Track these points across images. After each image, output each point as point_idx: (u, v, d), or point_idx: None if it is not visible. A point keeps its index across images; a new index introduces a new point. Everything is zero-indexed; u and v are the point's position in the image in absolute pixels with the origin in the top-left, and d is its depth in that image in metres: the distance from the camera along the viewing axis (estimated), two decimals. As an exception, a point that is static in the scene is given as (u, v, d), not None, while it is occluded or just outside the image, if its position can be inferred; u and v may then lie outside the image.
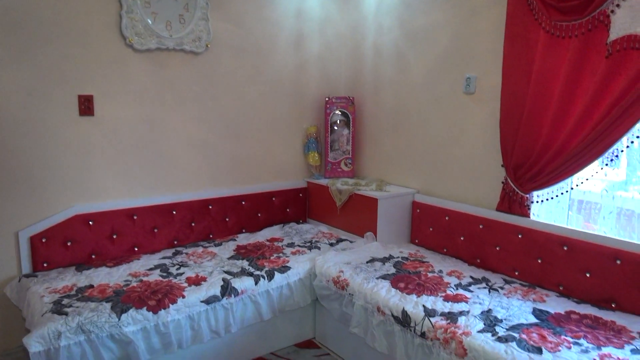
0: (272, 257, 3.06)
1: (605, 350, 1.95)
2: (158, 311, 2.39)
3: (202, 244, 3.33)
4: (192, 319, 2.50)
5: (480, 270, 2.90)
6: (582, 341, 2.02)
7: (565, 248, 2.54)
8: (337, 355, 2.92)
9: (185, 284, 2.62)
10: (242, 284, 2.69)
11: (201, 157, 3.42)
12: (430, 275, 2.76)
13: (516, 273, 2.77)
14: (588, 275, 2.45)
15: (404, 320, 2.35)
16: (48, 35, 2.74)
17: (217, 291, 2.60)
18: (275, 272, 2.85)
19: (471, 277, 2.76)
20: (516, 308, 2.34)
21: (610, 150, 2.33)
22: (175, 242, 3.31)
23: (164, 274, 2.75)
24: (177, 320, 2.45)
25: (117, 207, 3.06)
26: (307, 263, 3.00)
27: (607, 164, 2.39)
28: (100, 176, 3.02)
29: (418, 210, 3.39)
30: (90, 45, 2.88)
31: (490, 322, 2.20)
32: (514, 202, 2.80)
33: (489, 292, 2.55)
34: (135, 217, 3.12)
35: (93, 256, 2.99)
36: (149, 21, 3.02)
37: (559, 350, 1.94)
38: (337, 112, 3.87)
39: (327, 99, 3.86)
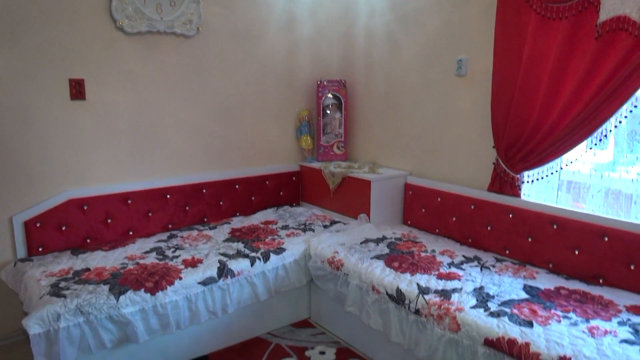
0: (267, 240, 3.08)
1: (594, 322, 2.02)
2: (156, 293, 2.42)
3: (197, 228, 3.35)
4: (189, 300, 2.53)
5: (472, 249, 2.96)
6: (571, 315, 2.09)
7: (554, 226, 2.61)
8: (333, 333, 2.98)
9: (182, 266, 2.64)
10: (238, 265, 2.72)
11: (194, 140, 3.42)
12: (423, 254, 2.81)
13: (507, 251, 2.84)
14: (577, 252, 2.52)
15: (398, 298, 2.40)
16: (35, 18, 2.70)
17: (213, 273, 2.63)
18: (271, 254, 2.88)
19: (463, 256, 2.82)
20: (507, 285, 2.41)
21: (599, 130, 2.38)
22: (170, 226, 3.32)
23: (160, 257, 2.77)
24: (175, 301, 2.47)
25: (111, 191, 3.06)
26: (301, 245, 3.03)
27: (595, 144, 2.44)
28: (93, 160, 3.01)
29: (410, 192, 3.44)
30: (80, 29, 2.85)
31: (482, 298, 2.26)
32: (505, 182, 2.85)
33: (481, 270, 2.61)
34: (129, 202, 3.12)
35: (88, 240, 2.99)
36: (139, 4, 2.98)
37: (549, 324, 2.01)
38: (329, 95, 3.88)
39: (319, 82, 3.87)
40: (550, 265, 2.63)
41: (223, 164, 3.59)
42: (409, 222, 3.48)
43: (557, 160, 2.64)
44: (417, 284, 2.42)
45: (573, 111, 2.43)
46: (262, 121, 3.75)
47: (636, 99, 2.31)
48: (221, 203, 3.57)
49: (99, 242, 3.01)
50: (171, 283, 2.48)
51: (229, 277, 2.66)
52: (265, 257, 2.84)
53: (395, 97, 3.57)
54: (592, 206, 2.62)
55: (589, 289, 2.36)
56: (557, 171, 2.69)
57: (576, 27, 2.41)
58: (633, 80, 2.18)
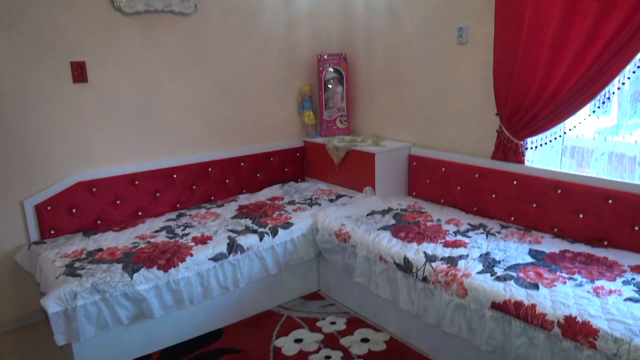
0: (274, 215, 3.13)
1: (598, 283, 2.05)
2: (168, 269, 2.47)
3: (205, 206, 3.39)
4: (201, 275, 2.59)
5: (477, 217, 2.99)
6: (576, 276, 2.13)
7: (559, 191, 2.63)
8: (342, 304, 3.04)
9: (192, 243, 2.69)
10: (247, 240, 2.77)
11: (198, 119, 3.44)
12: (429, 224, 2.85)
13: (512, 218, 2.87)
14: (581, 215, 2.55)
15: (405, 266, 2.44)
16: (33, 1, 2.69)
17: (223, 249, 2.67)
18: (279, 229, 2.92)
19: (469, 224, 2.85)
20: (513, 250, 2.44)
21: (602, 93, 2.37)
22: (178, 205, 3.37)
23: (170, 235, 2.82)
24: (187, 277, 2.53)
25: (118, 172, 3.09)
26: (308, 219, 3.07)
27: (599, 107, 2.44)
28: (99, 143, 3.04)
29: (414, 163, 3.46)
30: (78, 10, 2.84)
31: (488, 263, 2.30)
32: (509, 149, 2.86)
33: (487, 237, 2.65)
34: (137, 182, 3.16)
35: (98, 222, 3.04)
36: (137, -18, 2.97)
37: (555, 286, 2.05)
38: (330, 69, 3.86)
39: (319, 56, 3.85)
40: (555, 230, 2.66)
41: (227, 142, 3.61)
42: (414, 193, 3.51)
43: (560, 126, 2.64)
44: (424, 253, 2.46)
45: (575, 75, 2.42)
46: (264, 98, 3.75)
47: (639, 60, 2.30)
48: (227, 181, 3.60)
49: (109, 223, 3.07)
50: (183, 260, 2.53)
51: (238, 252, 2.71)
52: (274, 232, 2.89)
53: (396, 69, 3.56)
54: (596, 170, 2.63)
55: (594, 251, 2.39)
56: (560, 136, 2.70)
57: (578, -11, 2.38)
58: (635, 42, 2.17)
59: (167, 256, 2.53)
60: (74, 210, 2.93)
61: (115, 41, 2.99)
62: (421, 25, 3.31)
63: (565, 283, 2.07)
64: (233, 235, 2.80)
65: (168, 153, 3.33)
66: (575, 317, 1.81)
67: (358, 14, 3.79)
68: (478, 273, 2.21)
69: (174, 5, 3.15)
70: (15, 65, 2.69)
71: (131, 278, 2.36)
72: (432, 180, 3.34)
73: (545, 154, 2.84)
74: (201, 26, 3.33)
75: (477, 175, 3.03)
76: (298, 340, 2.64)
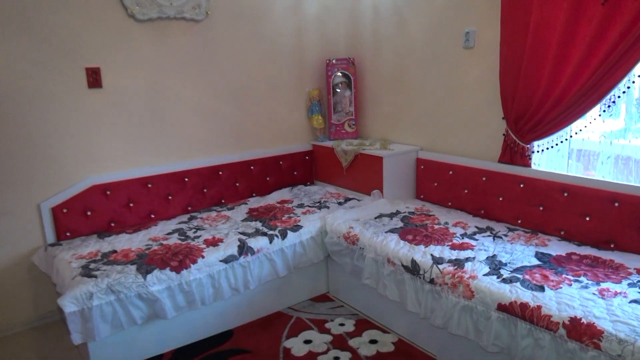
0: (283, 218, 3.18)
1: (604, 285, 2.08)
2: (180, 271, 2.53)
3: (215, 209, 3.45)
4: (212, 277, 2.64)
5: (484, 220, 3.02)
6: (582, 278, 2.15)
7: (565, 194, 2.65)
8: (351, 306, 3.08)
9: (204, 246, 2.75)
10: (258, 243, 2.82)
11: (209, 124, 3.50)
12: (436, 227, 2.88)
13: (519, 221, 2.89)
14: (588, 218, 2.57)
15: (413, 269, 2.48)
16: (50, 9, 2.77)
17: (234, 251, 2.73)
18: (288, 231, 2.97)
19: (476, 227, 2.88)
20: (519, 252, 2.47)
21: (608, 97, 2.40)
22: (189, 208, 3.43)
23: (182, 237, 2.88)
24: (199, 279, 2.59)
25: (131, 176, 3.17)
26: (317, 222, 3.12)
27: (604, 110, 2.46)
28: (113, 147, 3.11)
29: (422, 167, 3.49)
30: (93, 18, 2.92)
31: (495, 266, 2.33)
32: (516, 153, 2.89)
33: (494, 239, 2.68)
34: (149, 185, 3.23)
35: (112, 224, 3.11)
36: (150, -9, 3.04)
37: (561, 288, 2.07)
38: (339, 74, 3.92)
39: (327, 61, 3.90)
40: (562, 233, 2.68)
41: (238, 146, 3.67)
42: (421, 196, 3.54)
43: (567, 129, 2.67)
44: (431, 255, 2.49)
45: (581, 79, 2.44)
46: (273, 102, 3.82)
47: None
48: (237, 184, 3.66)
49: (123, 226, 3.14)
50: (194, 262, 2.59)
51: (249, 254, 2.77)
52: (283, 235, 2.94)
53: (404, 73, 3.60)
54: (602, 173, 2.65)
55: (600, 253, 2.41)
56: (566, 139, 2.72)
57: (583, -7, 2.41)
58: (639, 47, 2.19)
59: (180, 258, 2.59)
60: (88, 213, 3.01)
61: (128, 47, 3.06)
62: (428, 29, 3.35)
63: (571, 285, 2.09)
64: (243, 237, 2.85)
65: (180, 157, 3.40)
66: (581, 319, 1.83)
67: (366, 19, 3.84)
68: (484, 275, 2.24)
69: (185, 12, 3.22)
70: (32, 70, 2.77)
71: (145, 279, 2.42)
72: (440, 183, 3.37)
73: (552, 157, 2.87)
74: (212, 32, 3.40)
75: (484, 179, 3.06)
76: (307, 341, 2.68)
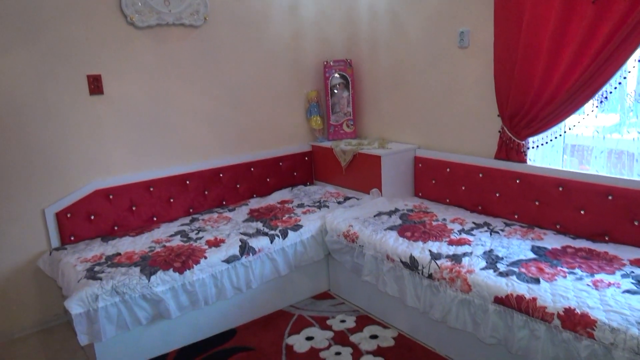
0: (284, 218, 3.22)
1: (598, 276, 2.12)
2: (184, 272, 2.58)
3: (217, 210, 3.50)
4: (215, 277, 2.69)
5: (481, 216, 3.06)
6: (576, 270, 2.20)
7: (560, 189, 2.70)
8: (352, 303, 3.13)
9: (206, 247, 2.80)
10: (259, 243, 2.87)
11: (209, 127, 3.56)
12: (434, 223, 2.93)
13: (515, 216, 2.94)
14: (582, 212, 2.61)
15: (412, 264, 2.53)
16: (51, 18, 2.83)
17: (236, 251, 2.78)
18: (289, 231, 3.02)
19: (473, 222, 2.92)
20: (516, 247, 2.52)
21: (600, 93, 2.44)
22: (191, 210, 3.49)
23: (185, 239, 2.93)
24: (202, 279, 2.64)
25: (133, 180, 3.22)
26: (317, 221, 3.17)
27: (597, 106, 2.51)
28: (115, 152, 3.17)
29: (420, 165, 3.54)
30: (93, 26, 2.97)
31: (491, 260, 2.37)
32: (511, 149, 2.93)
33: (490, 234, 2.72)
34: (151, 189, 3.28)
35: (115, 227, 3.16)
36: (148, -3, 3.10)
37: (555, 280, 2.12)
38: (336, 75, 3.97)
39: (325, 62, 3.95)
40: (558, 227, 2.73)
41: (238, 148, 3.73)
42: (420, 194, 3.59)
43: (561, 125, 2.71)
44: (429, 251, 2.54)
45: (573, 75, 2.49)
46: (272, 104, 3.87)
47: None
48: (238, 186, 3.72)
49: (126, 229, 3.19)
50: (197, 262, 2.64)
51: (250, 254, 2.81)
52: (284, 234, 2.99)
53: (400, 73, 3.65)
54: (596, 167, 2.69)
55: (595, 246, 2.46)
56: (560, 135, 2.76)
57: (573, -8, 2.46)
58: (629, 43, 2.24)
59: (182, 259, 2.64)
60: (92, 217, 3.06)
61: (129, 54, 3.12)
62: (423, 30, 3.40)
63: (565, 277, 2.14)
64: (245, 238, 2.90)
65: (181, 160, 3.45)
66: (575, 309, 1.88)
67: (362, 21, 3.89)
68: (481, 269, 2.29)
69: (184, 18, 3.27)
70: (35, 79, 2.83)
71: (149, 280, 2.47)
72: (438, 180, 3.42)
73: (547, 152, 2.91)
74: (211, 37, 3.45)
75: (481, 175, 3.11)
76: (309, 338, 2.73)
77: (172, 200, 3.38)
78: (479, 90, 3.11)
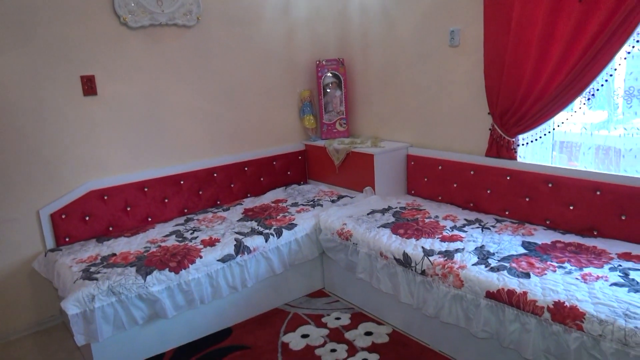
0: (278, 217, 3.25)
1: (587, 270, 2.17)
2: (179, 271, 2.60)
3: (211, 210, 3.52)
4: (210, 276, 2.71)
5: (473, 212, 3.10)
6: (566, 265, 2.24)
7: (550, 185, 2.74)
8: (346, 300, 3.16)
9: (201, 246, 2.82)
10: (254, 242, 2.90)
11: (203, 127, 3.57)
12: (427, 220, 2.97)
13: (506, 212, 2.98)
14: (572, 207, 2.66)
15: (405, 261, 2.56)
16: (45, 19, 2.84)
17: (231, 250, 2.80)
18: (283, 230, 3.04)
19: (465, 219, 2.97)
20: (507, 242, 2.56)
21: (587, 90, 2.49)
22: (186, 210, 3.50)
23: (180, 239, 2.95)
24: (197, 278, 2.66)
25: (128, 180, 3.23)
26: (311, 219, 3.19)
27: (584, 103, 2.56)
28: (109, 152, 3.18)
29: (412, 163, 3.58)
30: (87, 27, 2.98)
31: (483, 256, 2.41)
32: (502, 146, 2.98)
33: (482, 231, 2.76)
34: (146, 189, 3.29)
35: (110, 228, 3.17)
36: (140, -1, 3.11)
37: (545, 274, 2.16)
38: (329, 74, 3.99)
39: (317, 62, 3.98)
40: (548, 222, 2.78)
41: (232, 148, 3.75)
42: (412, 192, 3.63)
43: (550, 122, 2.76)
44: (422, 248, 2.58)
45: (561, 73, 2.54)
46: (266, 104, 3.89)
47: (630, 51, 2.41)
48: (232, 185, 3.73)
49: (121, 230, 3.20)
50: (193, 262, 2.66)
51: (245, 253, 2.84)
52: (278, 233, 3.01)
53: (392, 72, 3.69)
54: (584, 163, 2.74)
55: (584, 241, 2.51)
56: (549, 132, 2.81)
57: (560, -9, 2.50)
58: (616, 41, 2.29)
59: (178, 259, 2.66)
60: (87, 218, 3.07)
61: (122, 55, 3.13)
62: (415, 29, 3.44)
63: (555, 271, 2.18)
64: (240, 237, 2.92)
65: (175, 160, 3.47)
66: (564, 302, 1.92)
67: (354, 21, 3.92)
68: (473, 265, 2.33)
69: (177, 18, 3.29)
70: (29, 79, 2.84)
71: (145, 280, 2.49)
72: (430, 178, 3.46)
73: (537, 149, 2.96)
74: (204, 37, 3.47)
75: (472, 173, 3.15)
76: (305, 336, 2.76)
77: (166, 200, 3.40)
78: (469, 89, 3.15)
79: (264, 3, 3.74)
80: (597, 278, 2.08)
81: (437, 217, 3.03)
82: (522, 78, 2.75)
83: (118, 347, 2.53)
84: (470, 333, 2.27)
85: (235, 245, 2.83)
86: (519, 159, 2.94)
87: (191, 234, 3.04)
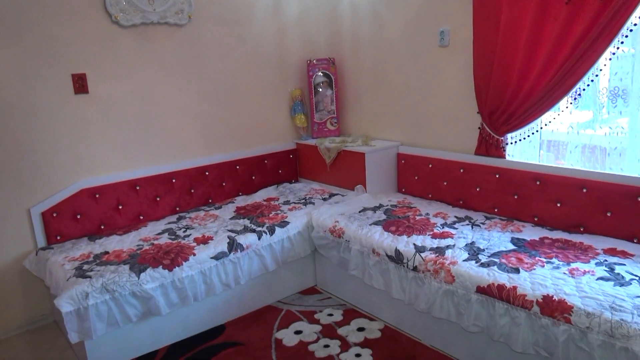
0: (271, 215, 3.27)
1: (574, 265, 2.23)
2: (173, 269, 2.61)
3: (203, 209, 3.53)
4: (204, 274, 2.72)
5: (463, 210, 3.16)
6: (554, 260, 2.30)
7: (537, 183, 2.81)
8: (338, 297, 3.19)
9: (194, 244, 2.83)
10: (247, 239, 2.91)
11: (194, 126, 3.58)
12: (418, 218, 3.01)
13: (495, 210, 3.04)
14: (559, 205, 2.73)
15: (397, 258, 2.60)
16: (36, 17, 2.82)
17: (224, 248, 2.82)
18: (276, 227, 3.07)
19: (455, 216, 3.02)
20: (496, 239, 2.61)
21: (574, 90, 2.55)
22: (177, 209, 3.50)
23: (173, 237, 2.96)
24: (191, 275, 2.67)
25: (120, 179, 3.23)
26: (304, 217, 3.22)
27: (571, 103, 2.62)
28: (101, 151, 3.17)
29: (403, 161, 3.62)
30: (78, 25, 2.97)
31: (473, 252, 2.46)
32: (491, 145, 3.03)
33: (472, 227, 2.82)
34: (137, 188, 3.29)
35: (102, 227, 3.17)
36: (132, -3, 3.11)
37: (534, 269, 2.22)
38: (320, 73, 4.02)
39: (308, 61, 4.01)
40: (536, 219, 2.84)
41: (223, 146, 3.76)
42: (403, 190, 3.67)
43: (537, 121, 2.82)
44: (414, 244, 2.62)
45: (549, 73, 2.60)
46: (257, 103, 3.91)
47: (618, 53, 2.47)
48: (224, 184, 3.75)
49: (112, 228, 3.19)
50: (186, 259, 2.67)
51: (238, 251, 2.85)
52: (271, 231, 3.03)
53: (383, 71, 3.73)
54: (571, 161, 2.81)
55: (571, 237, 2.57)
56: (537, 131, 2.87)
57: (548, -7, 2.56)
58: (601, 42, 2.35)
59: (171, 256, 2.67)
60: (78, 216, 3.06)
61: (113, 53, 3.12)
62: (405, 29, 3.48)
63: (543, 266, 2.24)
64: (233, 234, 2.94)
65: (167, 159, 3.47)
66: (552, 296, 1.97)
67: (345, 20, 3.95)
68: (464, 261, 2.37)
69: (168, 17, 3.29)
70: (20, 78, 2.82)
71: (138, 278, 2.50)
72: (420, 176, 3.50)
73: (525, 148, 3.02)
74: (195, 36, 3.47)
75: (461, 171, 3.20)
76: (298, 332, 2.79)
77: (158, 199, 3.40)
78: (459, 88, 3.20)
79: (256, 2, 3.76)
80: (584, 273, 2.14)
81: (427, 214, 3.08)
82: (510, 78, 2.81)
83: (112, 345, 2.53)
84: (462, 327, 2.32)
85: (228, 243, 2.85)
86: (507, 158, 3.00)
87: (184, 232, 3.04)
